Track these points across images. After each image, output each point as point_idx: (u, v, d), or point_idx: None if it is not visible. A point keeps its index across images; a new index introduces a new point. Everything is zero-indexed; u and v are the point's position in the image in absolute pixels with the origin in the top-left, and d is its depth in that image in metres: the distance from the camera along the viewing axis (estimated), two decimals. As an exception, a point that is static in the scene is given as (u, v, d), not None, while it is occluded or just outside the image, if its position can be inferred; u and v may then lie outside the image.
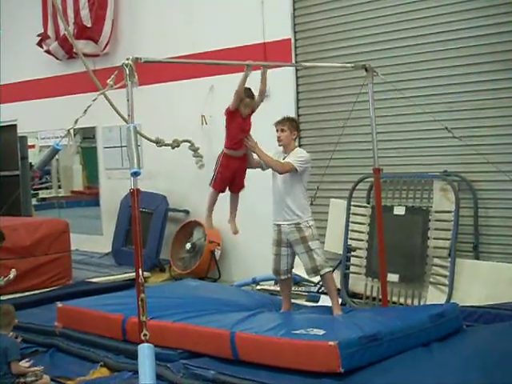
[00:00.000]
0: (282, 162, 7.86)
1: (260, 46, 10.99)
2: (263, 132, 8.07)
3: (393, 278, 8.82)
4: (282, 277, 8.16)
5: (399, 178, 9.44)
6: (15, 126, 15.85)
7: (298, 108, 10.85)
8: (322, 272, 7.90)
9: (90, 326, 7.91)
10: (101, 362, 7.28)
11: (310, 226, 7.92)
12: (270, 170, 8.00)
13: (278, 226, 8.02)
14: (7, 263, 10.25)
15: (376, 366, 6.29)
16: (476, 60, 9.01)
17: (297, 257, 8.07)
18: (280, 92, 10.89)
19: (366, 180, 9.61)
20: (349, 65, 8.91)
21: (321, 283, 8.99)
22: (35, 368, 6.65)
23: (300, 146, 10.69)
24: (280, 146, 8.06)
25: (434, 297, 8.68)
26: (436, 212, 8.98)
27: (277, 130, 8.05)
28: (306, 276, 8.50)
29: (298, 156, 7.92)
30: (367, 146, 8.92)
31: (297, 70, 10.82)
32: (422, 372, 6.18)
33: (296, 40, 10.80)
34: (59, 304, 8.48)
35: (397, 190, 9.42)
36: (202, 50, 11.56)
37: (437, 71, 9.33)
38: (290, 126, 8.03)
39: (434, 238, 8.92)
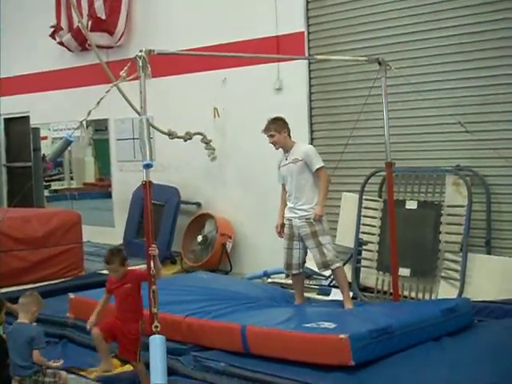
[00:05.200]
0: (322, 181, 8.01)
1: (273, 38, 10.96)
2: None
3: (404, 272, 8.81)
4: (294, 271, 8.17)
5: (412, 172, 9.42)
6: (28, 117, 15.90)
7: (310, 101, 10.83)
8: (332, 266, 7.92)
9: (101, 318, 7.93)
10: (112, 354, 7.30)
11: (321, 221, 7.93)
12: (282, 168, 8.12)
13: (290, 220, 8.05)
14: (19, 254, 10.31)
15: (387, 360, 6.29)
16: (490, 54, 8.96)
17: (308, 251, 8.10)
18: (293, 85, 10.90)
19: (378, 174, 9.59)
20: (362, 58, 8.90)
21: (332, 277, 8.98)
22: (55, 364, 6.69)
23: (312, 139, 10.73)
24: (278, 149, 8.17)
25: (446, 291, 8.66)
26: (448, 206, 8.95)
27: (267, 136, 8.09)
28: (316, 270, 8.51)
29: (309, 154, 8.07)
30: (380, 140, 8.90)
31: (310, 64, 10.79)
32: (432, 366, 6.18)
33: (309, 33, 10.76)
34: (71, 295, 8.51)
35: (409, 184, 9.40)
36: (215, 42, 11.55)
37: (450, 65, 9.29)
38: (276, 128, 8.11)
39: (446, 233, 8.90)
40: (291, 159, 8.06)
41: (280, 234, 8.26)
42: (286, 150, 8.11)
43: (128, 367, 6.98)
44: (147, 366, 5.94)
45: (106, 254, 6.77)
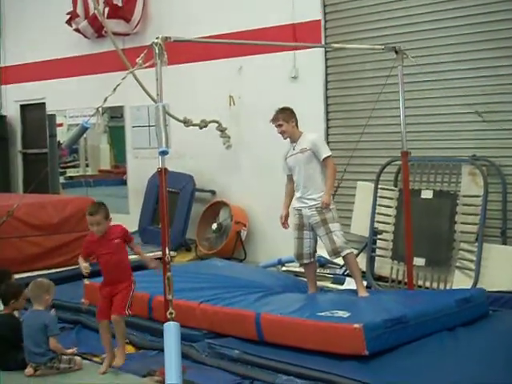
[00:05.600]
0: (329, 169, 7.99)
1: (289, 26, 10.93)
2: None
3: (419, 261, 8.79)
4: (305, 261, 8.18)
5: (427, 162, 9.38)
6: (44, 104, 15.93)
7: (326, 90, 10.79)
8: (342, 253, 7.93)
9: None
10: (126, 340, 7.33)
11: (330, 209, 7.95)
12: (289, 158, 8.16)
13: (299, 209, 8.07)
14: (35, 240, 10.35)
15: (401, 349, 6.30)
16: (507, 43, 8.90)
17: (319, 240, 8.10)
18: (309, 74, 10.88)
19: (394, 163, 9.56)
20: (379, 47, 8.85)
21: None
22: (70, 350, 6.74)
23: (328, 128, 10.70)
24: (286, 138, 8.18)
25: (461, 281, 8.63)
26: (464, 196, 8.92)
27: (276, 126, 8.09)
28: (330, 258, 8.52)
29: (316, 143, 8.08)
30: (395, 129, 8.86)
31: (326, 52, 10.75)
32: (446, 356, 6.18)
33: (326, 21, 10.72)
34: (86, 281, 8.53)
35: (425, 174, 9.37)
36: (231, 30, 11.53)
37: (467, 54, 9.24)
38: (284, 117, 8.11)
39: (462, 223, 8.87)
40: (299, 149, 8.05)
41: (284, 224, 8.28)
42: (294, 140, 8.12)
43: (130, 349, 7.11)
44: (161, 351, 5.94)
45: (88, 207, 6.78)
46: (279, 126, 8.09)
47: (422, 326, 6.61)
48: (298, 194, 8.11)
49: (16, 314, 6.87)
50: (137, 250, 6.91)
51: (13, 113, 16.97)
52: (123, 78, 6.18)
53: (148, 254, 11.19)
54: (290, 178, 8.27)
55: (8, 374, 6.57)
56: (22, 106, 16.82)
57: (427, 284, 8.96)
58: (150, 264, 6.82)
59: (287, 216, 8.26)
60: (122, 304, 6.52)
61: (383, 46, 8.63)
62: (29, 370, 6.46)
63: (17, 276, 8.31)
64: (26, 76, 16.17)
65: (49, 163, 14.18)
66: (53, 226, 10.59)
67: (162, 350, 5.90)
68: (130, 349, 7.20)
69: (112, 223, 6.77)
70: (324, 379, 5.83)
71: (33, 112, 16.49)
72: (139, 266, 10.10)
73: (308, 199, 7.98)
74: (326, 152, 8.02)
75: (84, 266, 6.57)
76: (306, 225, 8.03)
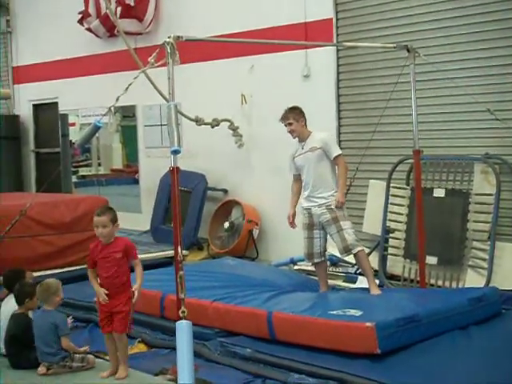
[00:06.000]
0: (341, 167, 8.00)
1: (301, 25, 10.93)
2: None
3: (431, 260, 8.78)
4: (316, 260, 8.18)
5: (439, 160, 9.36)
6: (56, 103, 15.99)
7: (338, 88, 10.78)
8: (353, 251, 7.92)
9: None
10: (139, 338, 7.35)
11: (341, 207, 7.94)
12: (297, 157, 8.15)
13: (308, 209, 8.06)
14: (47, 239, 10.38)
15: (413, 348, 6.29)
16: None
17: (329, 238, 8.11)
18: (321, 72, 10.86)
19: (406, 161, 9.54)
20: (390, 45, 8.84)
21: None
22: (83, 348, 6.75)
23: (340, 126, 10.69)
24: (295, 137, 8.17)
25: (473, 280, 8.61)
26: (476, 195, 8.90)
27: (285, 125, 8.09)
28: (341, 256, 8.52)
29: (327, 142, 8.06)
30: (407, 128, 8.85)
31: (338, 50, 10.74)
32: (458, 355, 6.17)
33: (337, 19, 10.71)
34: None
35: (437, 172, 9.35)
36: (243, 29, 11.54)
37: (479, 52, 9.20)
38: (294, 116, 8.12)
39: (474, 221, 8.85)
40: (308, 148, 8.05)
41: (292, 224, 8.28)
42: (302, 140, 8.12)
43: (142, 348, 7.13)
44: (173, 349, 5.96)
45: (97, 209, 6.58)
46: (289, 124, 8.10)
47: (434, 325, 6.60)
48: (306, 193, 8.10)
49: (30, 313, 6.89)
50: (136, 270, 6.47)
51: (26, 112, 17.05)
52: (135, 78, 6.20)
53: (160, 253, 11.34)
54: (297, 178, 8.28)
55: (21, 372, 6.60)
56: (35, 106, 16.89)
57: (439, 283, 8.94)
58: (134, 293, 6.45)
59: (294, 215, 8.26)
60: (124, 323, 6.29)
61: (395, 45, 8.61)
62: (41, 369, 6.48)
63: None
64: (39, 75, 16.25)
65: (61, 162, 14.22)
66: (65, 224, 10.62)
67: (174, 349, 5.92)
68: (142, 347, 7.22)
69: (119, 235, 6.60)
70: (336, 378, 5.83)
71: (45, 111, 16.55)
72: (152, 265, 10.21)
73: (318, 198, 7.97)
74: (336, 150, 8.02)
75: (101, 293, 6.31)
76: (316, 224, 8.03)
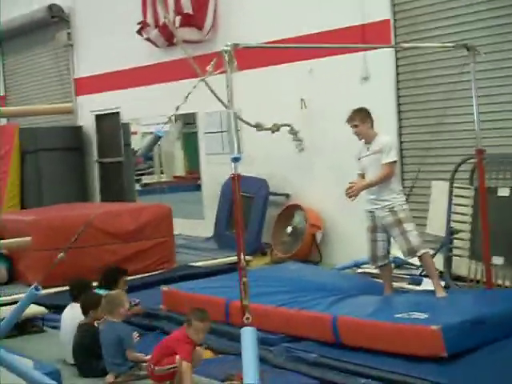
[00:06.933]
0: (383, 172, 7.87)
1: (358, 27, 10.89)
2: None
3: (498, 260, 8.64)
4: (380, 263, 8.14)
5: (503, 159, 9.22)
6: (118, 113, 16.18)
7: (398, 89, 10.71)
8: (418, 253, 7.86)
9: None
10: (205, 345, 7.39)
11: (403, 209, 7.89)
12: (363, 159, 8.08)
13: (372, 212, 8.01)
14: (111, 248, 10.50)
15: (479, 351, 6.22)
16: None
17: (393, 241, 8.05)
18: (380, 74, 10.80)
19: (469, 161, 9.43)
20: (450, 44, 8.76)
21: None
22: (150, 356, 6.81)
23: (401, 127, 10.62)
24: (361, 139, 8.10)
25: (541, 280, 8.48)
26: (542, 193, 8.76)
27: (351, 127, 8.04)
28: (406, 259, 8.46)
29: (385, 146, 7.94)
30: (469, 127, 8.75)
31: (397, 52, 10.67)
32: (528, 357, 6.08)
33: (395, 20, 10.65)
34: (164, 287, 8.64)
35: (501, 171, 9.22)
36: (300, 33, 11.53)
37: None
38: (360, 118, 8.04)
39: (540, 220, 8.71)
40: (373, 150, 8.00)
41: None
42: (368, 141, 8.07)
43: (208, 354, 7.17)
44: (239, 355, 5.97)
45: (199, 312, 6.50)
46: (355, 126, 8.05)
47: (501, 327, 6.52)
48: (370, 196, 8.05)
49: (96, 323, 6.98)
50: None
51: (88, 123, 17.28)
52: (194, 87, 6.23)
53: (224, 259, 11.40)
54: (362, 176, 8.20)
55: (89, 381, 6.70)
56: (97, 116, 17.10)
57: (507, 283, 8.79)
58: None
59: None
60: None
61: (454, 44, 8.52)
62: (109, 377, 6.57)
63: (95, 284, 8.43)
64: (99, 86, 16.47)
65: (124, 171, 14.40)
66: (129, 233, 10.74)
67: (240, 355, 5.94)
68: (208, 354, 7.26)
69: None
70: (402, 381, 5.81)
71: (107, 121, 16.75)
72: (216, 271, 10.27)
73: (381, 200, 7.92)
74: (388, 158, 7.89)
75: None
76: (379, 226, 7.99)
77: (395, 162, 8.02)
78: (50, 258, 8.03)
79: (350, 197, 7.95)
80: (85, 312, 7.08)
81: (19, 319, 7.57)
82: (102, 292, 7.82)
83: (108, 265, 9.05)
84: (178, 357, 6.15)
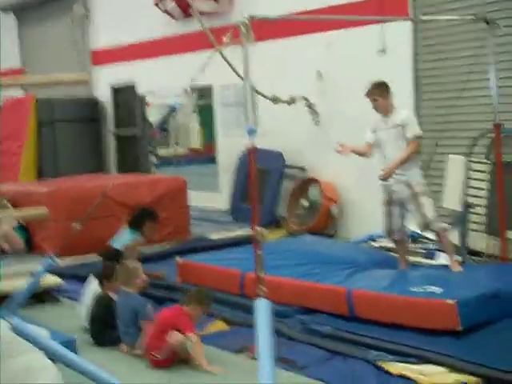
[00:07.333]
0: (410, 147, 7.81)
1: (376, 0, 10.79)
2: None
3: (513, 235, 8.62)
4: (395, 237, 8.14)
5: (521, 133, 9.16)
6: (134, 86, 16.15)
7: (415, 62, 10.63)
8: (433, 227, 7.86)
9: (208, 281, 8.03)
10: (219, 316, 7.40)
11: (420, 183, 7.87)
12: (380, 132, 8.01)
13: (388, 185, 7.98)
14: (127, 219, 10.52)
15: (494, 325, 6.22)
16: None
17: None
18: (397, 47, 10.71)
19: (486, 135, 9.36)
20: (468, 17, 8.67)
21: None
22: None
23: (417, 101, 10.54)
24: (380, 113, 8.05)
25: (557, 255, 8.45)
26: (560, 168, 8.70)
27: (370, 101, 7.98)
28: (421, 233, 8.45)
29: (409, 120, 7.93)
30: (487, 101, 8.68)
31: (414, 24, 10.58)
32: (543, 331, 6.08)
33: (413, -7, 10.56)
34: (179, 259, 8.67)
35: (518, 146, 9.16)
36: (317, 5, 11.43)
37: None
38: (380, 92, 8.00)
39: (557, 195, 8.66)
40: (391, 124, 7.95)
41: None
42: (387, 115, 8.02)
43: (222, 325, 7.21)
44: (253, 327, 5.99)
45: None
46: (374, 100, 8.01)
47: (516, 301, 6.51)
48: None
49: (112, 294, 7.01)
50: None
51: (105, 94, 17.28)
52: (209, 58, 6.22)
53: (239, 232, 11.40)
54: (369, 146, 8.16)
55: (105, 349, 6.76)
56: (114, 89, 17.09)
57: (522, 258, 8.77)
58: None
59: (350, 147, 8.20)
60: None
61: (473, 17, 8.44)
62: (123, 347, 6.62)
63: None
64: (116, 58, 16.44)
65: (140, 144, 14.41)
66: (146, 205, 10.73)
67: (253, 327, 5.95)
68: (222, 325, 7.28)
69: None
70: (416, 355, 5.81)
71: (124, 94, 16.74)
72: (232, 244, 10.28)
73: (398, 174, 7.89)
74: (412, 131, 7.87)
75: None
76: (395, 200, 7.96)
77: (421, 136, 7.97)
78: (66, 229, 8.10)
79: (383, 179, 7.92)
80: (102, 282, 7.12)
81: (36, 290, 7.66)
82: (129, 233, 8.38)
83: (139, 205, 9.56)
84: (176, 332, 6.17)
